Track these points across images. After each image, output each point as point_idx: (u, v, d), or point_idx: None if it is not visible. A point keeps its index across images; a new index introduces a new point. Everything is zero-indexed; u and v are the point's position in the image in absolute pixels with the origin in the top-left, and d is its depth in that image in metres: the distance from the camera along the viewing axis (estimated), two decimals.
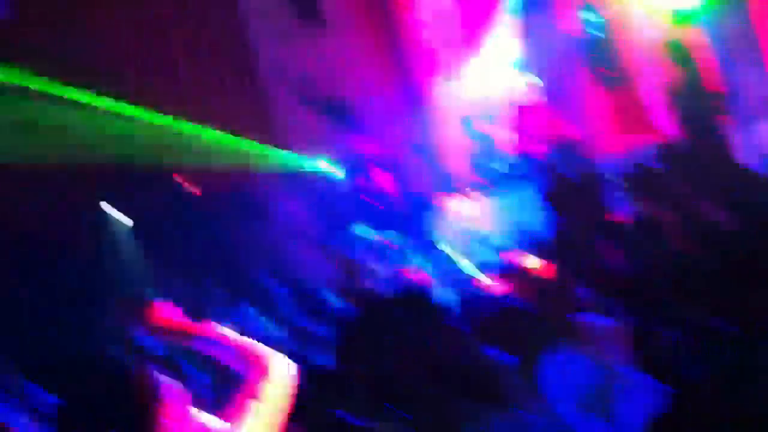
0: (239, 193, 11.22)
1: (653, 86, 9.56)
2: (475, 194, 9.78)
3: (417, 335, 2.44)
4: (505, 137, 10.83)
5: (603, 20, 10.12)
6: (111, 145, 9.99)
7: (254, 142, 11.31)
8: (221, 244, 10.75)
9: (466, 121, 10.84)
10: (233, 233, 10.92)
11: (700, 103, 8.90)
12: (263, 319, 8.30)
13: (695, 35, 8.90)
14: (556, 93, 10.57)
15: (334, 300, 7.80)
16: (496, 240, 8.45)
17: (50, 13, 10.10)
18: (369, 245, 9.79)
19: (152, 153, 10.37)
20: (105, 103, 10.10)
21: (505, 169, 9.89)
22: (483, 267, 5.62)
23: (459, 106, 11.50)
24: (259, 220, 11.02)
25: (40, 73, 9.43)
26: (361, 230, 9.84)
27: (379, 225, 10.11)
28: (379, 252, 9.57)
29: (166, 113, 10.53)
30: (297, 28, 12.09)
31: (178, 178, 11.14)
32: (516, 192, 9.41)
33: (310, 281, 9.36)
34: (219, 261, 10.45)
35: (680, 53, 8.86)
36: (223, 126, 10.94)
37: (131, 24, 11.22)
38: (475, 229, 9.23)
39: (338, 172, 11.38)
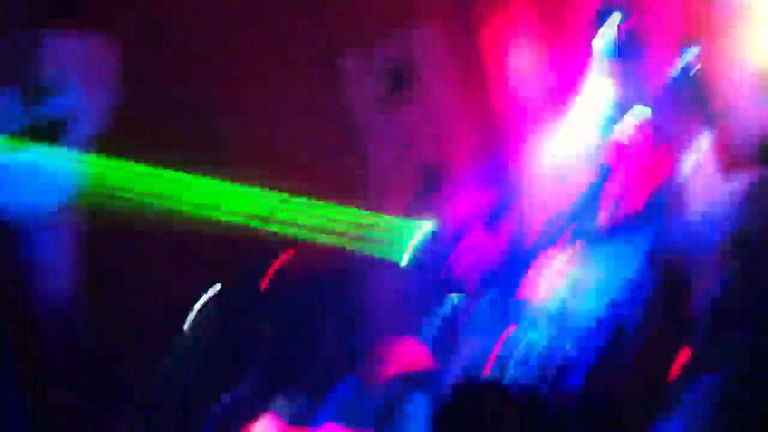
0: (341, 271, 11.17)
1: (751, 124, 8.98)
2: (575, 249, 9.35)
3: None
4: (607, 188, 10.40)
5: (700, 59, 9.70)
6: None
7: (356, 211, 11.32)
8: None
9: (561, 174, 10.48)
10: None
11: None
12: None
13: None
14: (661, 135, 10.14)
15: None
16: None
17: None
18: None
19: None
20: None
21: (607, 222, 9.42)
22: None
23: (555, 160, 11.22)
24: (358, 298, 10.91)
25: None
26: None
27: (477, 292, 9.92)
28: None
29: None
30: (390, 95, 12.30)
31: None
32: (618, 245, 8.94)
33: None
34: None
35: None
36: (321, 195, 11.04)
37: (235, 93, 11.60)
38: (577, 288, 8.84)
39: (437, 238, 11.19)
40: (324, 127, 12.09)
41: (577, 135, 11.11)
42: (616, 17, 10.67)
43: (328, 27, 12.04)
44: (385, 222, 11.20)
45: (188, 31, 10.84)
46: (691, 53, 9.81)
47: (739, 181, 7.65)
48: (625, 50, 10.46)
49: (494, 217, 10.58)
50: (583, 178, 10.66)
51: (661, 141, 10.05)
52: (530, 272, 9.94)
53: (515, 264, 10.12)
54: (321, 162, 11.52)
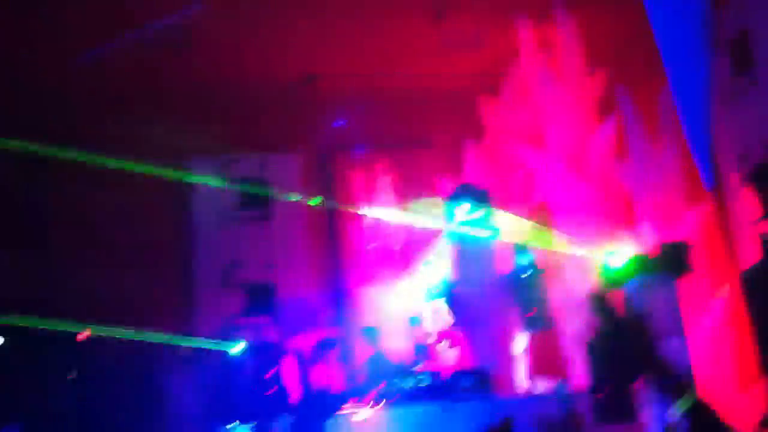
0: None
1: (572, 335, 9.93)
2: (378, 406, 9.61)
3: None
4: (414, 356, 10.87)
5: (533, 263, 10.60)
6: None
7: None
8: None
9: (373, 333, 10.85)
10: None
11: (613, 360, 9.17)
12: None
13: (619, 293, 9.38)
14: (479, 327, 10.79)
15: None
16: None
17: None
18: None
19: None
20: None
21: (411, 385, 9.80)
22: None
23: (379, 317, 11.69)
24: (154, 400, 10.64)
25: None
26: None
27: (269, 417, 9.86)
28: None
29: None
30: (240, 213, 12.51)
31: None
32: (418, 408, 9.29)
33: None
34: None
35: (602, 308, 9.27)
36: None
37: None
38: None
39: (245, 359, 11.12)
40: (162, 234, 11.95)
41: (406, 301, 11.65)
42: (464, 207, 11.33)
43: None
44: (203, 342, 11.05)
45: None
46: (527, 257, 10.70)
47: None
48: (467, 238, 11.16)
49: (322, 348, 10.67)
50: (403, 341, 11.10)
51: (480, 332, 10.67)
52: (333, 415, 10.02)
53: (322, 401, 10.16)
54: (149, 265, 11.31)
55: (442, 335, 10.79)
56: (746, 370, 8.98)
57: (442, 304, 10.71)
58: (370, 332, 10.87)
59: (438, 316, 10.90)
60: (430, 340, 10.57)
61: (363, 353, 10.47)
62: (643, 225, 10.44)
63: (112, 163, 10.44)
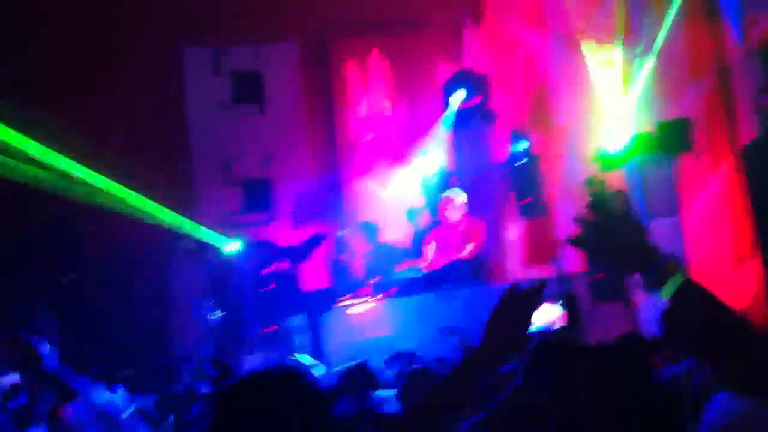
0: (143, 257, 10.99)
1: (568, 221, 9.77)
2: (375, 298, 9.64)
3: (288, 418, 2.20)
4: (418, 246, 10.84)
5: (530, 149, 10.40)
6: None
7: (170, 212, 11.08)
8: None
9: (370, 227, 10.79)
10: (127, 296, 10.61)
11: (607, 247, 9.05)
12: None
13: (617, 177, 9.19)
14: (478, 213, 10.69)
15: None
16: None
17: None
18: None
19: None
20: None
21: (413, 276, 9.80)
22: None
23: (380, 208, 11.63)
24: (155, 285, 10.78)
25: None
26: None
27: (270, 311, 9.97)
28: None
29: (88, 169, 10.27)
30: (236, 106, 12.30)
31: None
32: (414, 298, 9.30)
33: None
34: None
35: (598, 192, 9.11)
36: (143, 190, 10.72)
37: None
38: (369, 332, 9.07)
39: (244, 253, 11.18)
40: (154, 128, 11.81)
41: (406, 188, 11.55)
42: (461, 94, 11.11)
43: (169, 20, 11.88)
44: (202, 232, 11.07)
45: None
46: (523, 144, 10.49)
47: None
48: (463, 126, 10.98)
49: (312, 244, 10.69)
50: (402, 231, 11.05)
51: (475, 217, 10.60)
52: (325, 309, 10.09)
53: (324, 295, 10.22)
54: (144, 161, 11.21)
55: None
56: (742, 246, 8.85)
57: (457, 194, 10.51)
58: (369, 227, 10.84)
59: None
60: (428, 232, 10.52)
61: (360, 247, 10.44)
62: (641, 103, 10.13)
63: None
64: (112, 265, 10.80)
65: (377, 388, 5.06)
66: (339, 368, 5.27)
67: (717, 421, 2.04)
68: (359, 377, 5.16)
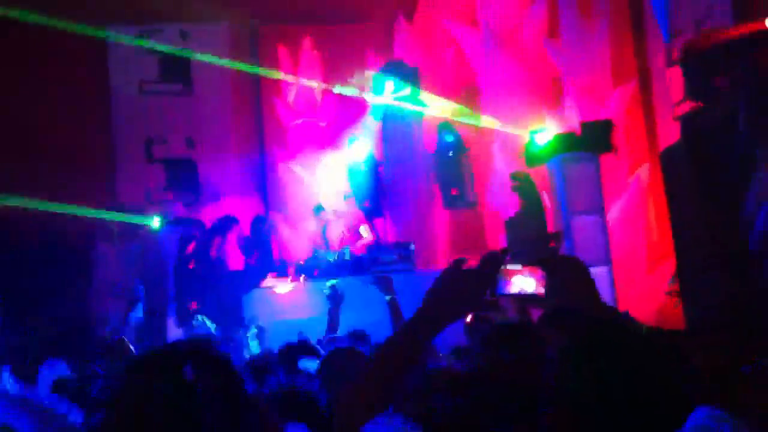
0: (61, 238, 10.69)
1: (492, 212, 10.01)
2: (299, 280, 9.63)
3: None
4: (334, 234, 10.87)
5: (458, 142, 10.57)
6: None
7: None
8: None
9: (314, 209, 10.81)
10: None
11: (531, 237, 9.30)
12: None
13: (541, 171, 9.43)
14: (402, 203, 10.80)
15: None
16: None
17: None
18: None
19: None
20: None
21: (336, 261, 9.82)
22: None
23: (304, 193, 11.63)
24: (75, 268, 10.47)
25: None
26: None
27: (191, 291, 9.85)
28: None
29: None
30: (162, 86, 12.09)
31: None
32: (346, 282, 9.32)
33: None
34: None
35: (524, 186, 9.34)
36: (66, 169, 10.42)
37: None
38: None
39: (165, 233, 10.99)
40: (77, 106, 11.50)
41: (331, 177, 11.58)
42: (390, 86, 11.18)
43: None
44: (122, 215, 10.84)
45: None
46: (451, 136, 10.66)
47: None
48: (392, 116, 11.05)
49: (227, 224, 10.57)
50: (326, 218, 11.06)
51: (402, 206, 10.72)
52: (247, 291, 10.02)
53: (242, 275, 10.13)
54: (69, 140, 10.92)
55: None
56: (658, 246, 9.23)
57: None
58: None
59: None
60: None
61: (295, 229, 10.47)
62: (568, 104, 10.44)
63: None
64: (32, 251, 10.44)
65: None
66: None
67: None
68: (298, 353, 5.12)
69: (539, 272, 2.37)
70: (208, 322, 7.14)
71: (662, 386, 1.95)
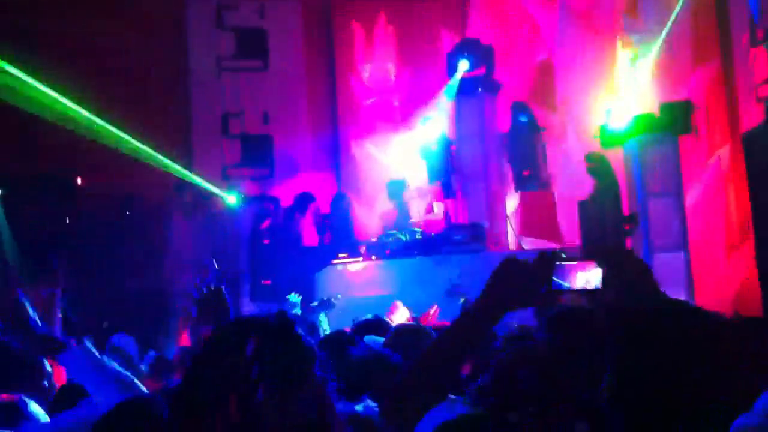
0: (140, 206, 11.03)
1: (565, 194, 9.91)
2: (375, 258, 9.71)
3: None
4: (415, 212, 10.93)
5: (532, 122, 10.47)
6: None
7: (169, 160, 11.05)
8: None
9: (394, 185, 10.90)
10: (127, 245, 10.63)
11: (605, 221, 9.18)
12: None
13: (618, 154, 9.30)
14: (474, 182, 10.76)
15: None
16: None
17: None
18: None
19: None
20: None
21: (408, 240, 9.87)
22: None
23: (378, 172, 11.71)
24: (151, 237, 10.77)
25: None
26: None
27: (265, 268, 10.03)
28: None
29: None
30: (240, 62, 12.29)
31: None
32: (411, 260, 9.37)
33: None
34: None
35: (599, 167, 9.21)
36: (143, 138, 10.69)
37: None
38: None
39: (241, 208, 11.21)
40: (157, 79, 11.75)
41: (405, 156, 11.63)
42: (464, 65, 11.10)
43: None
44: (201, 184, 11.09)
45: None
46: (525, 116, 10.56)
47: None
48: (466, 95, 10.99)
49: (305, 202, 10.70)
50: (399, 198, 11.12)
51: (475, 188, 10.66)
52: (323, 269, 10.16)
53: (316, 253, 10.27)
54: (149, 110, 11.17)
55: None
56: (736, 229, 9.02)
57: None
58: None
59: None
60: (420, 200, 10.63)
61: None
62: (646, 84, 10.23)
63: None
64: (110, 216, 10.79)
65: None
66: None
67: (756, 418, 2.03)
68: (374, 329, 5.19)
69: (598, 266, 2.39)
70: (295, 301, 7.24)
71: (725, 375, 1.92)
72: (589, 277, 2.40)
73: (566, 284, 2.47)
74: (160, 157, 10.73)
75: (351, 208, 10.69)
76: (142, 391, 2.94)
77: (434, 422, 2.39)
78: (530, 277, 2.32)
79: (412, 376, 2.39)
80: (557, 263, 2.32)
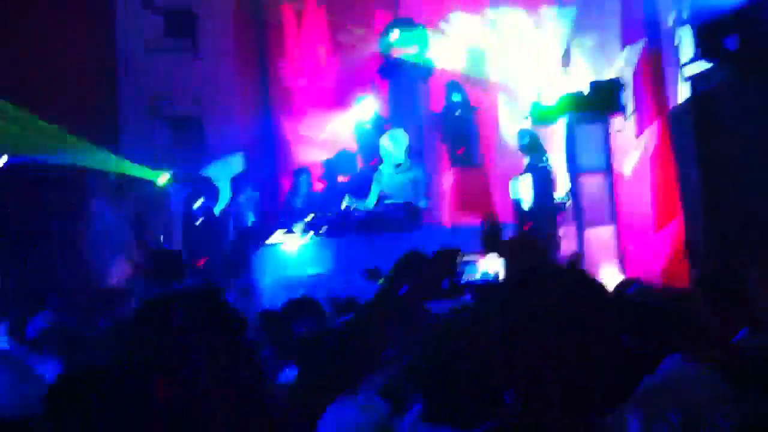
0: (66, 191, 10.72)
1: (500, 172, 10.00)
2: (307, 236, 9.61)
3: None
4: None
5: (465, 101, 10.53)
6: None
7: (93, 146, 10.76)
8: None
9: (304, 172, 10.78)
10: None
11: (538, 197, 9.30)
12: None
13: (550, 131, 9.41)
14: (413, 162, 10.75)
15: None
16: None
17: None
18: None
19: None
20: None
21: (343, 219, 9.80)
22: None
23: (310, 152, 11.62)
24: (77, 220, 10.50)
25: None
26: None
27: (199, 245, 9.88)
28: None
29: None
30: (168, 44, 12.04)
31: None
32: (346, 238, 9.31)
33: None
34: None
35: (530, 144, 9.32)
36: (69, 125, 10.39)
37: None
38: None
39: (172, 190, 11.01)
40: (85, 62, 11.44)
41: (337, 137, 11.58)
42: (396, 42, 11.07)
43: None
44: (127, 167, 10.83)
45: None
46: (459, 95, 10.61)
47: None
48: (399, 75, 10.98)
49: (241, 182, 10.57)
50: (330, 178, 11.05)
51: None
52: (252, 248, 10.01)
53: (250, 232, 10.14)
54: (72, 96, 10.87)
55: None
56: (666, 206, 9.22)
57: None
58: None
59: None
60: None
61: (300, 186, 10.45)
62: (576, 63, 10.37)
63: None
64: (28, 204, 10.46)
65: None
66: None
67: (657, 379, 2.08)
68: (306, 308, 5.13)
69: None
70: None
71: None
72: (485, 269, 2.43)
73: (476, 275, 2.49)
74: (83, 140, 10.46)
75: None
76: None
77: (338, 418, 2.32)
78: (431, 271, 2.30)
79: (314, 370, 2.35)
80: (458, 259, 2.32)
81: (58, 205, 10.45)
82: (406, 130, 10.63)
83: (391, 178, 9.07)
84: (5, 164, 10.55)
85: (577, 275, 1.99)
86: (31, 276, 9.56)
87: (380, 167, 9.21)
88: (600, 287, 1.96)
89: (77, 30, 11.14)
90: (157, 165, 11.20)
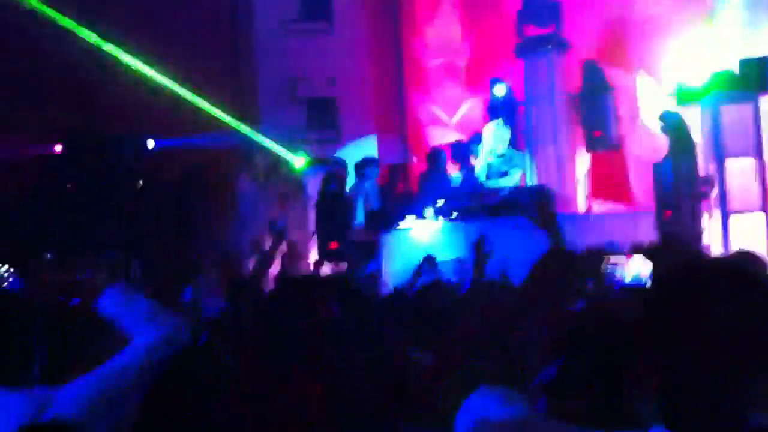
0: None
1: (638, 157, 9.62)
2: (436, 220, 9.59)
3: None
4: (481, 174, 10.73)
5: (602, 82, 10.17)
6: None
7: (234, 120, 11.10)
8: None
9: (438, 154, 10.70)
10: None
11: (680, 183, 8.87)
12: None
13: (694, 113, 8.96)
14: (543, 145, 10.54)
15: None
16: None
17: None
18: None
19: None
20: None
21: (472, 203, 9.70)
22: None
23: (444, 134, 11.55)
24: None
25: None
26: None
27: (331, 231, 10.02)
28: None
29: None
30: (304, 26, 12.25)
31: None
32: (476, 223, 9.21)
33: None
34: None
35: (673, 126, 8.89)
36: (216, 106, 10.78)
37: None
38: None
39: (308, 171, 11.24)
40: (221, 41, 11.82)
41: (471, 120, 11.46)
42: (534, 22, 10.82)
43: None
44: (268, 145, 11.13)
45: None
46: (596, 75, 10.23)
47: None
48: (535, 54, 10.73)
49: (369, 165, 10.64)
50: (464, 162, 10.94)
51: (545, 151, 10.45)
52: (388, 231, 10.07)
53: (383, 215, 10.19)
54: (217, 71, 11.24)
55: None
56: None
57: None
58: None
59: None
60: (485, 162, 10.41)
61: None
62: (725, 39, 9.78)
63: None
64: (179, 183, 10.95)
65: None
66: None
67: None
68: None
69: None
70: None
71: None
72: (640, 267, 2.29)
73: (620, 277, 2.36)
74: (229, 119, 10.80)
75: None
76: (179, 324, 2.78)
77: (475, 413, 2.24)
78: (575, 271, 2.19)
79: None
80: (604, 259, 2.21)
81: (205, 186, 10.90)
82: (540, 112, 10.46)
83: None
84: (154, 147, 11.08)
85: (741, 276, 1.81)
86: (178, 255, 10.01)
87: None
88: None
89: (219, 12, 11.51)
90: (294, 146, 11.45)
